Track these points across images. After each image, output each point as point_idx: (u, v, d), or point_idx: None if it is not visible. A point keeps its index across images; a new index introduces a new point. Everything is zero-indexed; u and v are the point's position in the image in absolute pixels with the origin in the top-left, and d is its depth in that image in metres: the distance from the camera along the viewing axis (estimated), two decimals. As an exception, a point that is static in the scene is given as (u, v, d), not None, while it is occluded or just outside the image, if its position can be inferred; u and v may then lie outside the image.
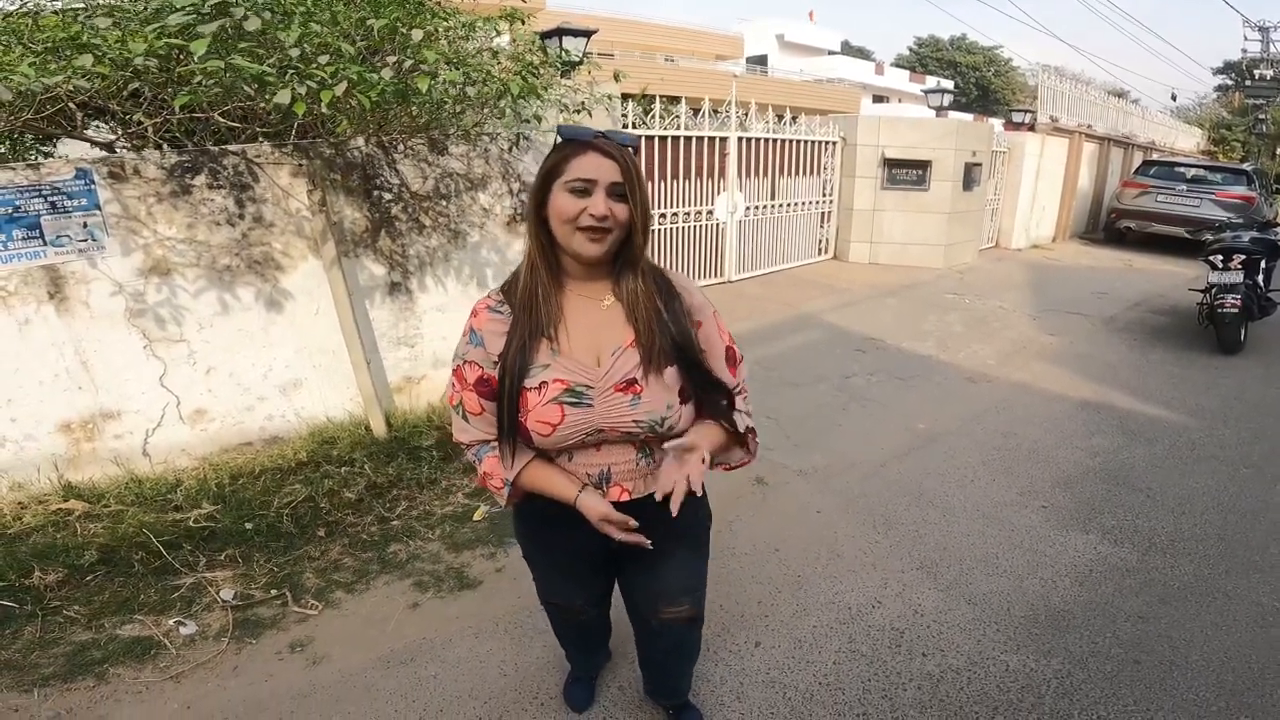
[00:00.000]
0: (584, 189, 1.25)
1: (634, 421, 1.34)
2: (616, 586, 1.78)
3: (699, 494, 1.31)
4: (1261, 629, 2.47)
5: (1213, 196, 10.99)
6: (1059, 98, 11.79)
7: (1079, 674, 2.25)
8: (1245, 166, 12.49)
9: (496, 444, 1.41)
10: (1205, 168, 12.06)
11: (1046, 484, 3.52)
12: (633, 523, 1.37)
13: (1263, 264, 6.08)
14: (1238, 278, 5.70)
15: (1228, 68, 37.17)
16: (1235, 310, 5.62)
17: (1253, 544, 3.01)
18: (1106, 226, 12.68)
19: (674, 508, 1.29)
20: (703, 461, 1.34)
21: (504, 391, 1.33)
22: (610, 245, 1.30)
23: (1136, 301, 7.80)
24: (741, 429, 1.47)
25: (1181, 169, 11.88)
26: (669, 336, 1.36)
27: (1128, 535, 3.07)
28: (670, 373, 1.36)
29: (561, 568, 1.67)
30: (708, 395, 1.42)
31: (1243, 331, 5.83)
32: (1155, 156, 14.19)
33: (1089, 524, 3.15)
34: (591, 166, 1.25)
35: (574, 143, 1.27)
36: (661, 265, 1.48)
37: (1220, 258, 5.86)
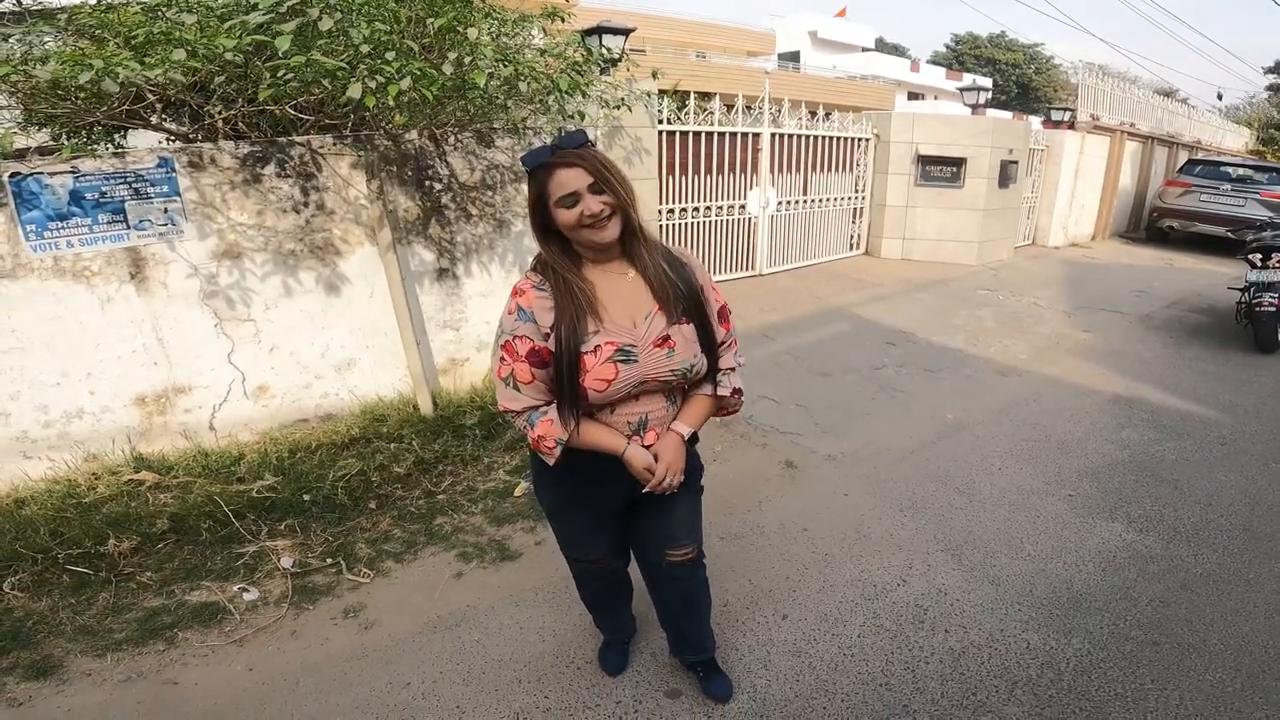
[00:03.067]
0: (572, 200, 1.47)
1: (671, 370, 1.60)
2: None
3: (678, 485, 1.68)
4: (1280, 616, 2.51)
5: (1258, 196, 10.74)
6: (1100, 96, 11.60)
7: (1098, 654, 2.32)
8: (1293, 166, 12.16)
9: (546, 409, 1.59)
10: (1251, 167, 11.77)
11: (1074, 474, 3.56)
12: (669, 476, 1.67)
13: (1304, 263, 5.98)
14: (1277, 276, 5.63)
15: (1278, 67, 35.97)
16: (1273, 309, 5.56)
17: (1278, 535, 3.03)
18: (1148, 225, 12.43)
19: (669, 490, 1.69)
20: (683, 442, 1.69)
21: (562, 360, 1.52)
22: (616, 227, 1.52)
23: (1175, 300, 7.71)
24: (728, 391, 1.73)
25: (1226, 168, 11.62)
26: (683, 299, 1.61)
27: (1153, 524, 3.11)
28: (689, 328, 1.62)
29: (587, 519, 1.85)
30: (708, 353, 1.66)
31: (1281, 331, 5.75)
32: (1200, 156, 13.86)
33: (1115, 513, 3.20)
34: (567, 180, 1.46)
35: (540, 167, 1.49)
36: (675, 246, 1.74)
37: (1260, 256, 5.78)
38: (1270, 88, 36.40)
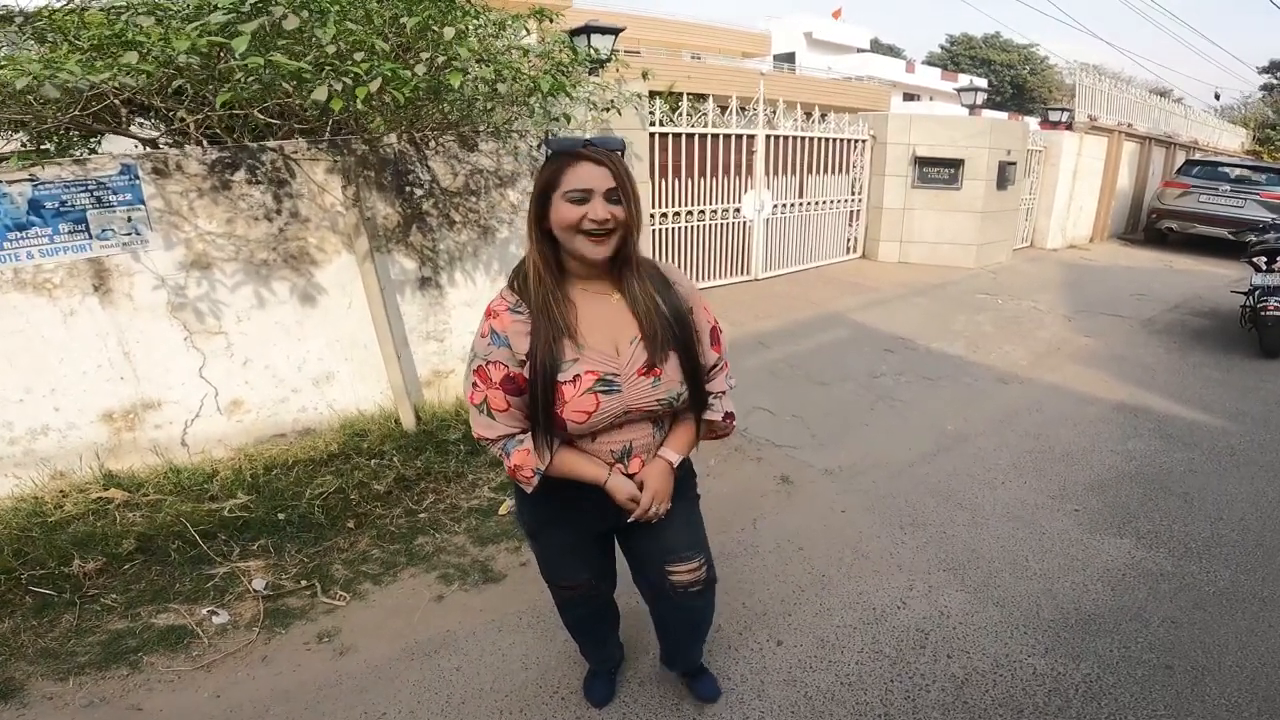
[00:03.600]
0: (582, 198, 1.35)
1: (656, 400, 1.51)
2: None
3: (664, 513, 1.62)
4: (1299, 636, 2.41)
5: (1257, 197, 10.68)
6: (1097, 96, 11.54)
7: (1108, 678, 2.22)
8: (1292, 166, 12.11)
9: (523, 437, 1.50)
10: (1249, 168, 11.73)
11: (1079, 487, 3.45)
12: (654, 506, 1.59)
13: (1308, 265, 5.89)
14: (1282, 279, 5.54)
15: (1273, 67, 36.08)
16: (1279, 313, 5.46)
17: (1293, 550, 2.93)
18: (1147, 227, 12.38)
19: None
20: (671, 470, 1.61)
21: (537, 388, 1.43)
22: (613, 246, 1.41)
23: (1176, 303, 7.61)
24: (719, 416, 1.66)
25: (1225, 169, 11.58)
26: (669, 326, 1.51)
27: (1163, 540, 3.00)
28: (674, 358, 1.52)
29: (569, 543, 1.76)
30: (693, 381, 1.56)
31: (1287, 335, 5.65)
32: (1198, 156, 13.81)
33: (1123, 528, 3.09)
34: (586, 176, 1.36)
35: (566, 154, 1.38)
36: (661, 260, 1.64)
37: (1264, 259, 5.70)
38: (1265, 87, 36.49)
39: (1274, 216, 9.67)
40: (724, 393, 1.67)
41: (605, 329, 1.48)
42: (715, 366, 1.64)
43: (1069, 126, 10.79)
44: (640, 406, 1.50)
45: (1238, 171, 11.43)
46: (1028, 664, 2.28)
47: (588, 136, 1.44)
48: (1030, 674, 2.23)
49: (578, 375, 1.43)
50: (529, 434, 1.50)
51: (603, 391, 1.45)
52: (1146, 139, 13.12)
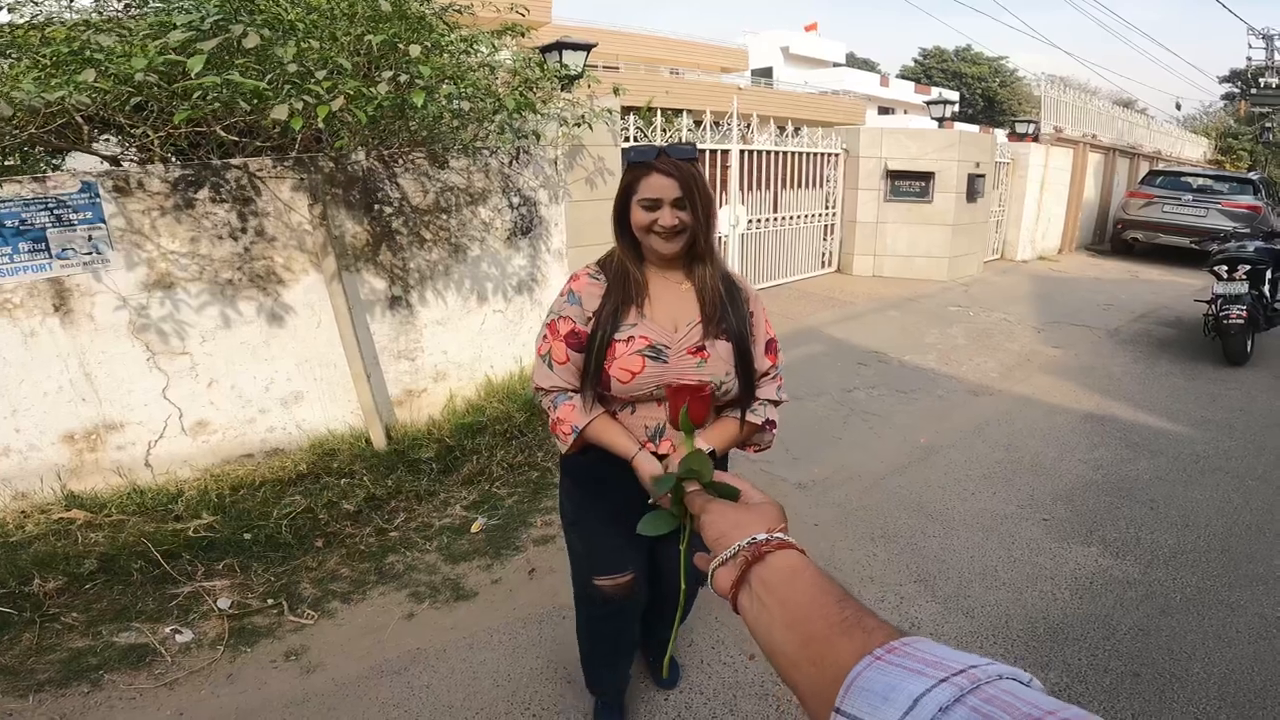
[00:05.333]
0: (653, 204, 1.52)
1: (698, 379, 1.57)
2: None
3: None
4: (1265, 641, 2.45)
5: (1219, 206, 10.93)
6: (1063, 108, 11.79)
7: (1077, 687, 2.23)
8: (1252, 176, 12.41)
9: (573, 395, 1.62)
10: (1212, 177, 11.99)
11: (1048, 497, 3.49)
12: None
13: (1269, 274, 6.03)
14: (1243, 288, 5.66)
15: (1234, 76, 37.06)
16: (1241, 321, 5.57)
17: (1257, 556, 2.98)
18: (1113, 237, 12.60)
19: None
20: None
21: (595, 341, 1.57)
22: (682, 243, 1.57)
23: (1142, 313, 7.76)
24: (760, 420, 1.70)
25: (1188, 179, 11.81)
26: (729, 320, 1.62)
27: (1130, 548, 3.04)
28: (726, 347, 1.61)
29: (611, 522, 1.74)
30: (744, 377, 1.64)
31: (1249, 343, 5.77)
32: (1161, 166, 14.12)
33: (1090, 536, 3.13)
34: (656, 186, 1.51)
35: (640, 165, 1.54)
36: (738, 274, 1.76)
37: (1225, 268, 5.81)
38: (1226, 97, 37.45)
39: (1236, 225, 9.90)
40: (771, 402, 1.73)
41: (670, 309, 1.62)
42: (767, 374, 1.72)
43: (1035, 138, 11.00)
44: (680, 379, 1.56)
45: (1200, 181, 11.68)
46: (997, 674, 2.29)
47: (663, 145, 1.55)
48: (999, 684, 2.25)
49: (632, 337, 1.56)
50: (579, 394, 1.61)
51: (650, 357, 1.55)
52: (1111, 150, 13.40)
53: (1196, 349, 6.22)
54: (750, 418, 1.68)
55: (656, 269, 1.65)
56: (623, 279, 1.61)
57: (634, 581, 1.79)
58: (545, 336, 1.64)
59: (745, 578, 0.70)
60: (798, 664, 0.60)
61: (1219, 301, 5.75)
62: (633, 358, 1.55)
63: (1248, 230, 7.64)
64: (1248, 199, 11.03)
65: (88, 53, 2.29)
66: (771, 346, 1.73)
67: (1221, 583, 2.79)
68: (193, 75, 2.15)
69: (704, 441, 1.62)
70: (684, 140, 6.67)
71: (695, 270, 1.64)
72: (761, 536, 0.72)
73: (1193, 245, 10.42)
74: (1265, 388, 5.26)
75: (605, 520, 1.75)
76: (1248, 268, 5.74)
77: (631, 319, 1.58)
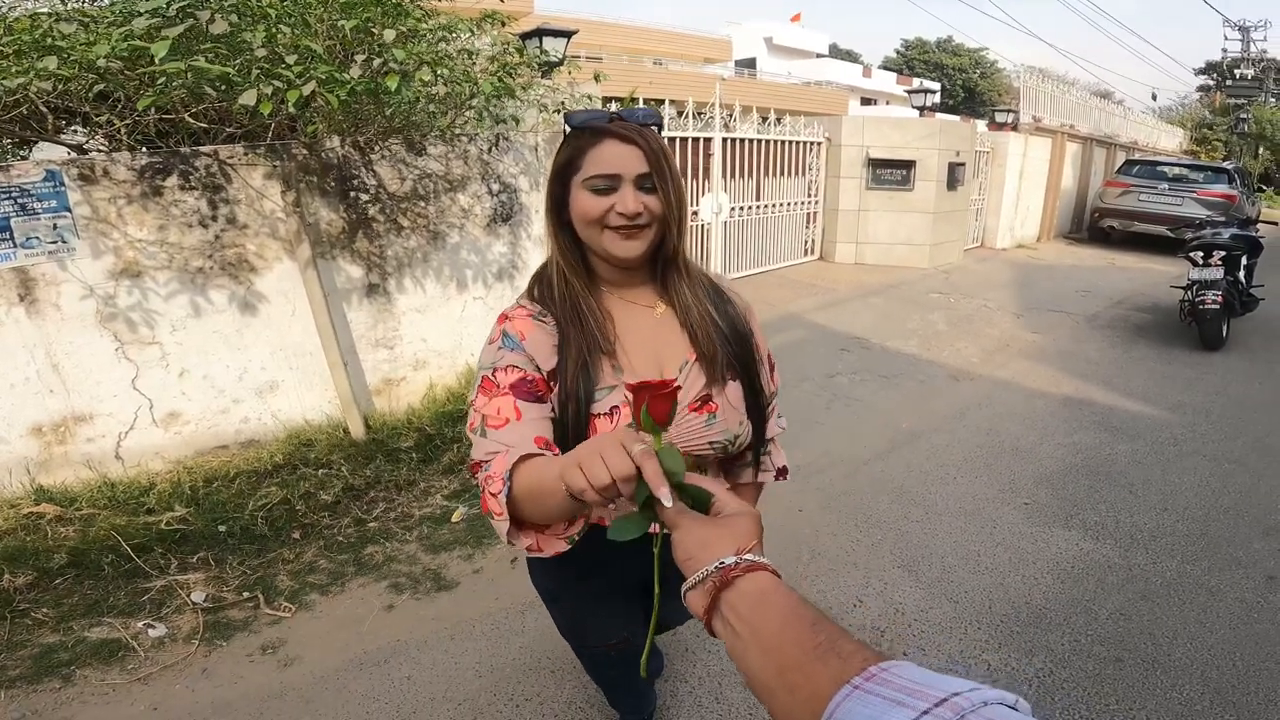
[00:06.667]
0: (608, 185, 1.07)
1: (709, 443, 1.19)
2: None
3: None
4: (1245, 625, 2.46)
5: (1194, 195, 11.07)
6: (1041, 98, 11.86)
7: (1061, 672, 2.24)
8: (1227, 165, 12.57)
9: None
10: (1187, 166, 12.16)
11: (1029, 481, 3.51)
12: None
13: (1243, 260, 6.11)
14: (1218, 274, 5.73)
15: (1209, 68, 37.54)
16: (1216, 307, 5.64)
17: (1236, 539, 3.00)
18: (1090, 226, 12.74)
19: None
20: None
21: (568, 420, 1.10)
22: (648, 242, 1.12)
23: (1119, 299, 7.85)
24: (773, 476, 1.40)
25: (1164, 168, 11.97)
26: (729, 347, 1.21)
27: (1110, 531, 3.06)
28: (736, 390, 1.22)
29: (600, 603, 1.43)
30: (756, 416, 1.26)
31: (1225, 328, 5.85)
32: (1138, 156, 14.28)
33: (1071, 520, 3.15)
34: (612, 158, 1.07)
35: (587, 131, 1.09)
36: (720, 276, 1.34)
37: (1201, 254, 5.88)
38: (1202, 88, 37.93)
39: (1210, 213, 10.02)
40: (773, 440, 1.40)
41: (649, 348, 1.18)
42: (769, 405, 1.35)
43: (1015, 128, 11.06)
44: (689, 449, 1.17)
45: (1176, 170, 11.84)
46: (981, 659, 2.29)
47: (618, 110, 1.11)
48: (984, 669, 2.24)
49: (615, 406, 1.11)
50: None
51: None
52: (1089, 139, 13.52)
53: (1173, 334, 6.29)
54: (762, 478, 1.39)
55: (615, 291, 1.20)
56: (575, 312, 1.14)
57: (625, 640, 1.52)
58: (477, 397, 1.10)
59: (715, 604, 0.66)
60: (775, 692, 0.58)
61: (1195, 287, 5.82)
62: None
63: (1223, 218, 7.74)
64: (1222, 188, 11.19)
65: (50, 40, 2.21)
66: (770, 364, 1.37)
67: (1201, 567, 2.81)
68: (157, 61, 2.08)
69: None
70: (666, 127, 6.62)
71: (672, 287, 1.20)
72: (730, 560, 0.68)
73: (1168, 233, 10.55)
74: (1240, 372, 5.33)
75: (594, 600, 1.42)
76: (1223, 254, 5.81)
77: (606, 378, 1.13)
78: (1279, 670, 2.25)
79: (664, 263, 1.20)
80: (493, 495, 0.95)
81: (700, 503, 0.77)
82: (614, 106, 5.90)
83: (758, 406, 1.26)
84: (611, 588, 1.40)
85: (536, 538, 1.04)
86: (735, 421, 1.21)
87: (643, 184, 1.08)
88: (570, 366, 1.11)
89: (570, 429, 1.10)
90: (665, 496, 0.72)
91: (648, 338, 1.18)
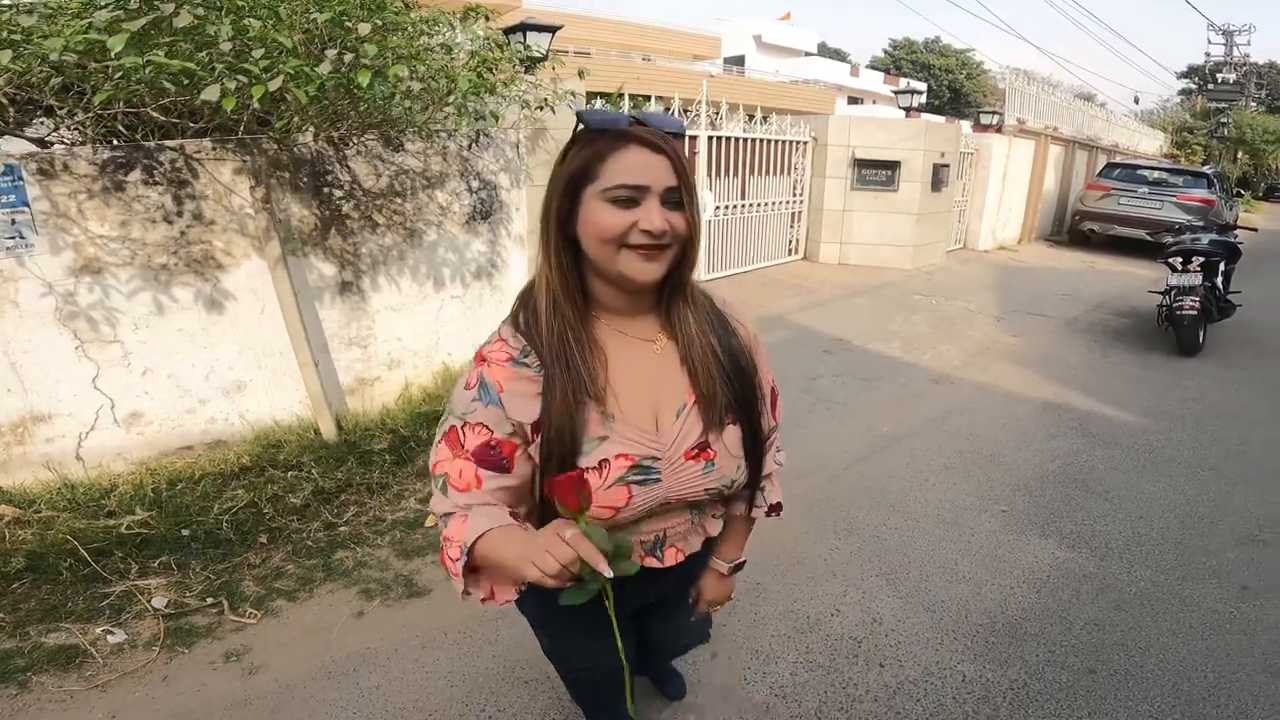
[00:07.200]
0: (631, 198, 0.97)
1: (705, 490, 1.14)
2: None
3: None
4: (1218, 637, 2.46)
5: (1174, 199, 11.18)
6: (1025, 100, 11.93)
7: (1035, 684, 2.23)
8: (1206, 170, 12.73)
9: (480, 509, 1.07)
10: (1167, 170, 12.28)
11: (1006, 488, 3.51)
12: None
13: (1221, 266, 6.16)
14: (1196, 280, 5.77)
15: (1192, 71, 38.03)
16: (1194, 312, 5.69)
17: (1210, 549, 3.01)
18: (1071, 228, 12.83)
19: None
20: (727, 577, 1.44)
21: (551, 468, 1.04)
22: (667, 264, 1.03)
23: (1098, 303, 7.91)
24: (764, 511, 1.36)
25: (1143, 172, 12.08)
26: (732, 390, 1.14)
27: (1085, 540, 3.06)
28: (734, 434, 1.15)
29: (581, 629, 1.35)
30: (754, 459, 1.21)
31: (1202, 333, 5.90)
32: (1119, 159, 14.41)
33: (1047, 528, 3.14)
34: (639, 167, 0.97)
35: (606, 134, 0.98)
36: (721, 298, 1.24)
37: (1179, 260, 5.93)
38: (1184, 92, 38.43)
39: (1189, 218, 10.13)
40: (771, 476, 1.34)
41: (643, 390, 1.09)
42: (769, 440, 1.28)
43: (999, 130, 11.12)
44: (684, 497, 1.14)
45: (1156, 174, 11.95)
46: (957, 670, 2.28)
47: (637, 114, 1.01)
48: (960, 681, 2.23)
49: (605, 460, 1.05)
50: (484, 506, 1.05)
51: (637, 482, 1.07)
52: (1071, 142, 13.63)
53: (1150, 339, 6.34)
54: (755, 514, 1.35)
55: (614, 320, 1.10)
56: (563, 353, 1.03)
57: (615, 666, 1.47)
58: (441, 447, 1.07)
59: None
60: None
61: (1173, 293, 5.86)
62: (613, 491, 1.05)
63: (1201, 223, 7.80)
64: (1201, 192, 11.30)
65: (5, 33, 2.13)
66: (774, 398, 1.30)
67: (1175, 576, 2.81)
68: (113, 56, 2.01)
69: (724, 562, 1.38)
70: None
71: (676, 315, 1.11)
72: None
73: (1148, 237, 10.64)
74: (1217, 379, 5.37)
75: (576, 628, 1.36)
76: (1202, 260, 5.85)
77: (594, 428, 1.05)
78: (1251, 683, 2.24)
79: (672, 289, 1.10)
80: (451, 560, 1.01)
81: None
82: (599, 103, 5.84)
83: (756, 447, 1.20)
84: (600, 616, 1.36)
85: (491, 587, 1.05)
86: (732, 467, 1.15)
87: (669, 198, 0.99)
88: (554, 418, 1.03)
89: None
90: (604, 569, 0.87)
91: (644, 376, 1.10)
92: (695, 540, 1.27)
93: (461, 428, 1.05)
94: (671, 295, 1.11)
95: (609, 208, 0.97)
